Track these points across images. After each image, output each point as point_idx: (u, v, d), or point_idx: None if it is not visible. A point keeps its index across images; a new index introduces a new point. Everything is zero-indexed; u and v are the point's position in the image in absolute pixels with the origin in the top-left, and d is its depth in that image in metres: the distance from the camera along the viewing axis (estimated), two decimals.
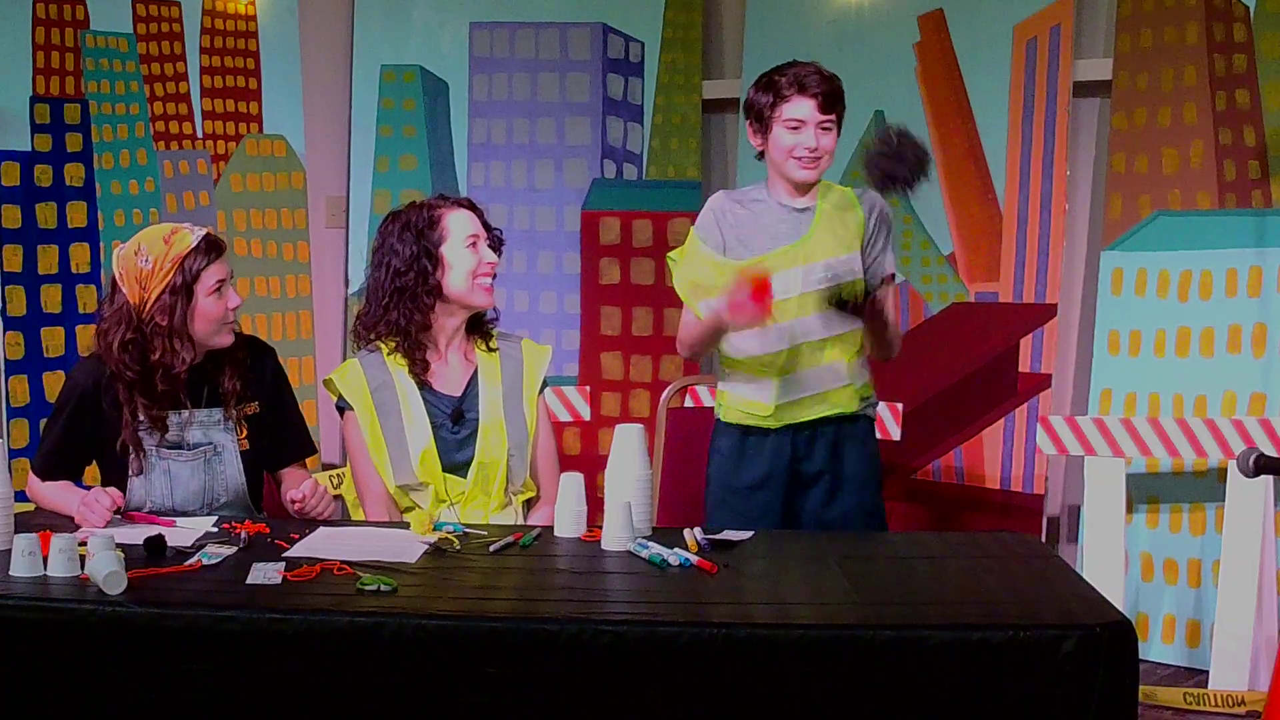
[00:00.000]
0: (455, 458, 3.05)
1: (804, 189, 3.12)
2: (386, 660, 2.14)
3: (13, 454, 4.62)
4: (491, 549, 2.62)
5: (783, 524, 3.15)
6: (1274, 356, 4.01)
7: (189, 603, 2.23)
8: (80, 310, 4.84)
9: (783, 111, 3.06)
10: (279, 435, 3.10)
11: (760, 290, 2.91)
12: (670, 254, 3.28)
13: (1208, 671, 3.90)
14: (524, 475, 3.10)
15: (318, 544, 2.64)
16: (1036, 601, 2.32)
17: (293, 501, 2.93)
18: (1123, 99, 4.35)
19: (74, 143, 4.88)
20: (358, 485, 3.10)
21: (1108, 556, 3.97)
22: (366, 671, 2.14)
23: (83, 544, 2.39)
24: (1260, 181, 4.09)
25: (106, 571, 2.23)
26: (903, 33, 4.66)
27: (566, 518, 2.77)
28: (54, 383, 4.75)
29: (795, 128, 3.06)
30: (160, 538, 2.54)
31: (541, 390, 3.16)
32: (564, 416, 4.58)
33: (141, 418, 2.92)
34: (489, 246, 3.08)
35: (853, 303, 3.02)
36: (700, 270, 3.13)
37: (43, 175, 4.80)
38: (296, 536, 2.68)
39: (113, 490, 2.80)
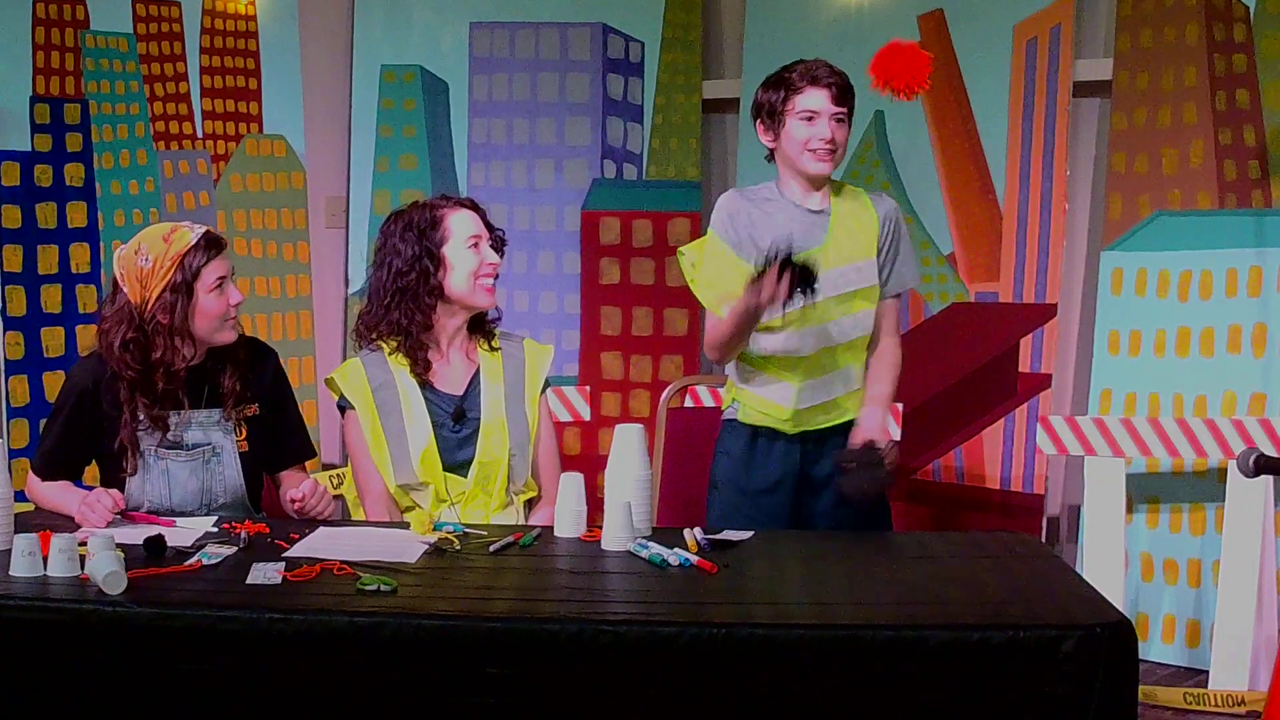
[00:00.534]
0: (456, 457, 3.05)
1: (818, 183, 3.09)
2: (386, 660, 2.14)
3: (13, 454, 4.62)
4: (491, 549, 2.62)
5: (792, 528, 3.13)
6: (1274, 356, 4.01)
7: (189, 603, 2.23)
8: (80, 310, 4.84)
9: (796, 104, 3.04)
10: (279, 437, 3.10)
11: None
12: (681, 249, 3.22)
13: (1208, 671, 3.90)
14: (525, 475, 3.11)
15: (318, 544, 2.64)
16: (1036, 601, 2.32)
17: (292, 501, 2.93)
18: (1123, 99, 4.35)
19: (74, 143, 4.88)
20: (358, 484, 3.10)
21: (1108, 556, 3.97)
22: (366, 671, 2.14)
23: (83, 544, 2.39)
24: (1260, 181, 4.09)
25: (106, 571, 2.23)
26: (903, 33, 4.65)
27: (566, 518, 2.77)
28: (54, 383, 4.75)
29: (809, 119, 3.03)
30: (160, 538, 2.54)
31: (543, 390, 3.16)
32: (564, 416, 4.58)
33: (142, 417, 2.92)
34: (491, 247, 3.08)
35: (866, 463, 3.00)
36: (724, 273, 3.07)
37: (43, 175, 4.80)
38: (296, 536, 2.68)
39: (114, 491, 2.81)
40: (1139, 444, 4.02)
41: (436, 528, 2.69)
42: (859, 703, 2.12)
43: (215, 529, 2.77)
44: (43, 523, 2.71)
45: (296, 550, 2.57)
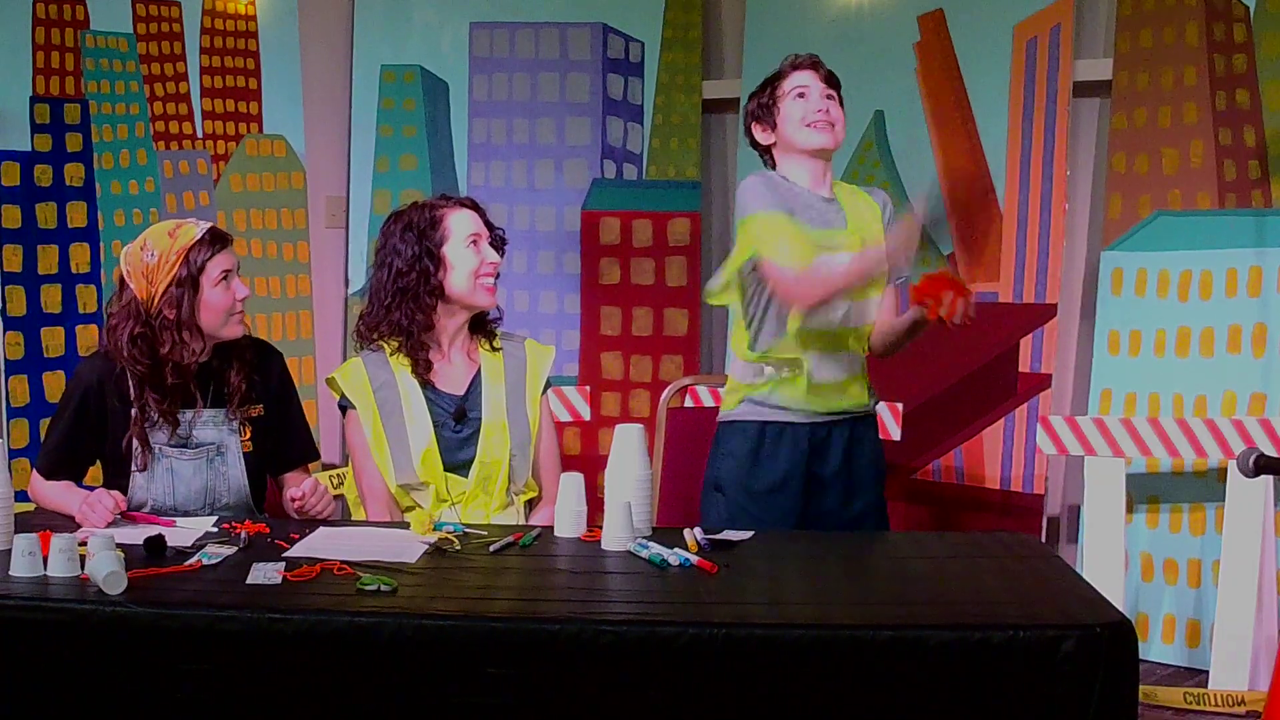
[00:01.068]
0: (457, 457, 3.05)
1: (824, 156, 3.10)
2: (386, 660, 2.14)
3: (13, 454, 4.62)
4: (491, 549, 2.62)
5: (800, 527, 3.13)
6: (1274, 356, 4.01)
7: (189, 603, 2.23)
8: (80, 310, 4.84)
9: (785, 86, 3.08)
10: (282, 439, 3.10)
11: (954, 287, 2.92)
12: (741, 223, 3.08)
13: (1208, 671, 3.90)
14: (526, 475, 3.11)
15: (318, 544, 2.64)
16: (1036, 601, 2.32)
17: (293, 500, 2.93)
18: (1123, 99, 4.35)
19: (74, 143, 4.88)
20: (359, 484, 3.10)
21: (1108, 556, 3.97)
22: (366, 671, 2.14)
23: (83, 544, 2.39)
24: (1260, 181, 4.09)
25: (106, 571, 2.23)
26: (903, 33, 4.66)
27: (566, 518, 2.77)
28: (54, 383, 4.75)
29: (801, 95, 3.07)
30: (160, 538, 2.54)
31: (545, 390, 3.16)
32: (564, 416, 4.59)
33: (152, 414, 2.93)
34: (491, 246, 3.08)
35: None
36: (787, 237, 2.98)
37: (43, 175, 4.80)
38: (296, 536, 2.68)
39: (115, 492, 2.81)
40: (1139, 444, 4.02)
41: (436, 528, 2.69)
42: (859, 703, 2.12)
43: (215, 529, 2.78)
44: (43, 523, 2.71)
45: (296, 550, 2.57)
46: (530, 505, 3.16)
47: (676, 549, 2.57)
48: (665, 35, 4.99)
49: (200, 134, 5.09)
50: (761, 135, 3.14)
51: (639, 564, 2.54)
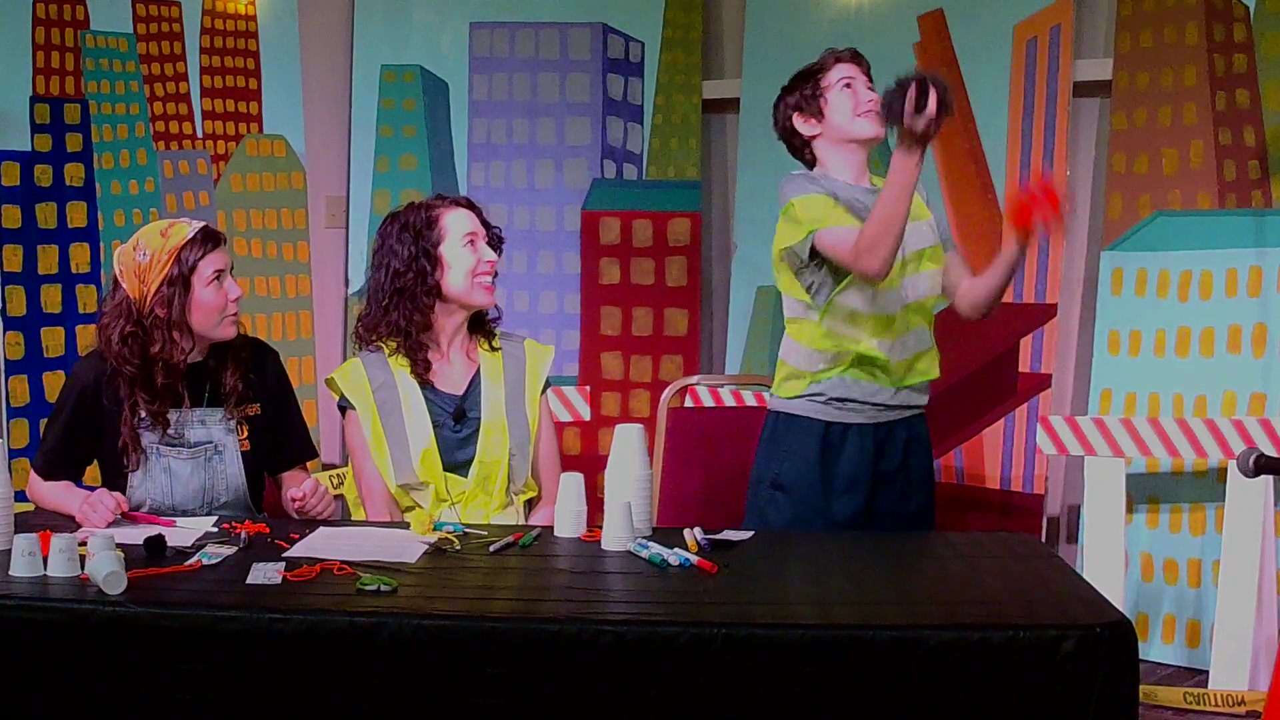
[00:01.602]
0: (456, 457, 3.05)
1: (873, 145, 3.14)
2: (386, 660, 2.14)
3: (13, 454, 4.62)
4: (491, 549, 2.62)
5: (862, 526, 3.10)
6: (1274, 356, 4.01)
7: (189, 603, 2.23)
8: (80, 310, 4.84)
9: (831, 76, 3.09)
10: (280, 438, 3.10)
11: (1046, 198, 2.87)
12: (794, 224, 3.05)
13: (1208, 671, 3.90)
14: (525, 475, 3.11)
15: (318, 544, 2.64)
16: (1036, 601, 2.32)
17: (293, 500, 2.93)
18: (1123, 99, 4.35)
19: (74, 143, 4.88)
20: (359, 484, 3.10)
21: (1108, 556, 3.97)
22: (366, 671, 2.14)
23: (83, 544, 2.39)
24: (1260, 181, 4.09)
25: (106, 571, 2.23)
26: (903, 33, 4.66)
27: (566, 518, 2.77)
28: (54, 383, 4.75)
29: (849, 84, 3.09)
30: (160, 538, 2.54)
31: (544, 390, 3.16)
32: (564, 416, 4.59)
33: (142, 413, 2.92)
34: (488, 244, 3.08)
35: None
36: (836, 217, 3.00)
37: (43, 175, 4.80)
38: (296, 536, 2.68)
39: (116, 494, 2.81)
40: (1139, 444, 4.02)
41: (436, 528, 2.69)
42: (859, 703, 2.12)
43: (215, 529, 2.77)
44: (43, 523, 2.71)
45: (296, 550, 2.57)
46: (530, 505, 3.16)
47: (676, 549, 2.57)
48: (665, 35, 4.99)
49: (200, 134, 5.09)
50: (806, 127, 3.13)
51: (639, 564, 2.54)
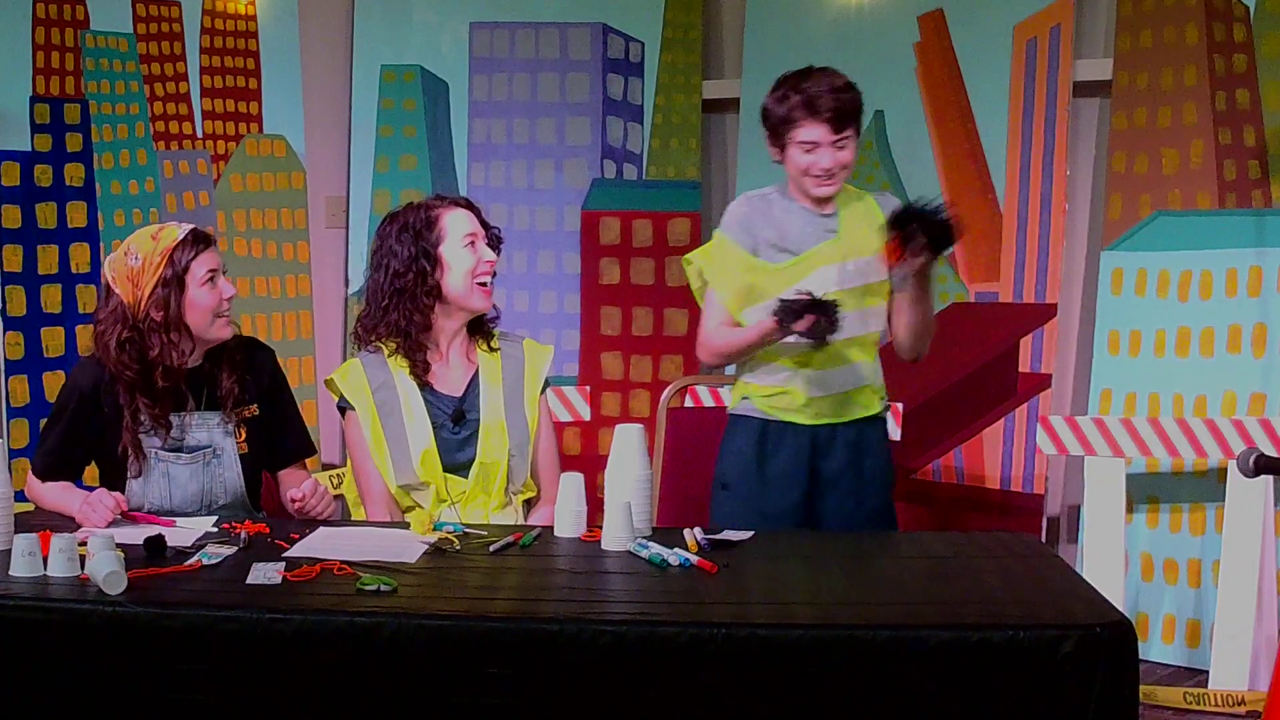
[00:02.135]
0: (456, 458, 3.05)
1: (823, 203, 3.12)
2: (386, 660, 2.14)
3: (13, 454, 4.62)
4: (491, 549, 2.62)
5: (804, 525, 3.13)
6: (1274, 356, 4.01)
7: (189, 603, 2.23)
8: (80, 310, 4.84)
9: (796, 134, 3.04)
10: (278, 436, 3.10)
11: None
12: (686, 257, 3.22)
13: (1208, 671, 3.90)
14: (525, 475, 3.11)
15: (318, 544, 2.64)
16: (1036, 601, 2.32)
17: (293, 501, 2.93)
18: (1123, 99, 4.35)
19: (74, 143, 4.88)
20: (359, 485, 3.10)
21: (1108, 556, 3.97)
22: (366, 671, 2.14)
23: (83, 544, 2.39)
24: (1260, 181, 4.09)
25: (106, 571, 2.23)
26: (903, 33, 4.66)
27: (566, 518, 2.77)
28: (54, 383, 4.75)
29: (810, 149, 3.04)
30: (160, 538, 2.54)
31: (543, 391, 3.16)
32: (564, 416, 4.59)
33: (144, 419, 2.92)
34: (487, 245, 3.08)
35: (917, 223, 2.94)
36: (736, 274, 3.10)
37: (43, 175, 4.80)
38: (296, 536, 2.68)
39: (117, 494, 2.81)
40: (1139, 444, 4.02)
41: (436, 528, 2.69)
42: (859, 703, 2.12)
43: (215, 529, 2.77)
44: (43, 523, 2.71)
45: (296, 550, 2.57)
46: (528, 505, 3.16)
47: (676, 549, 2.57)
48: (665, 35, 4.99)
49: (200, 134, 5.09)
50: (770, 149, 3.14)
51: (639, 564, 2.54)
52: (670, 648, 2.11)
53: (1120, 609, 2.26)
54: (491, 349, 3.12)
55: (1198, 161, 4.20)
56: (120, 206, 4.94)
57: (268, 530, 2.73)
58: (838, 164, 3.04)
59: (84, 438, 2.98)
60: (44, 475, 3.01)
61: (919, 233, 2.91)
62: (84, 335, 4.81)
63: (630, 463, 2.78)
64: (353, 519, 3.14)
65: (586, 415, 4.62)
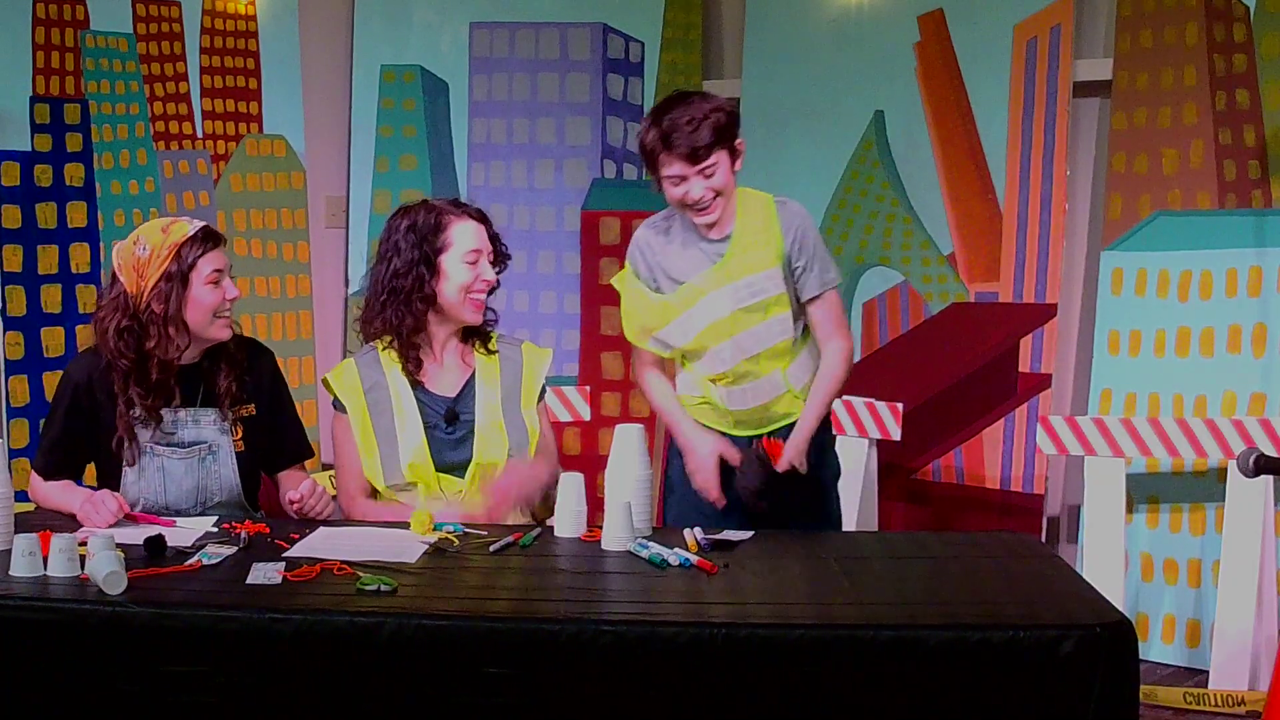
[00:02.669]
0: (450, 458, 3.05)
1: (713, 227, 3.07)
2: (386, 660, 2.14)
3: (13, 454, 4.62)
4: (491, 549, 2.62)
5: (748, 524, 3.12)
6: (1274, 356, 4.01)
7: (189, 603, 2.23)
8: (80, 310, 4.84)
9: (660, 170, 3.00)
10: (276, 438, 3.10)
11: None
12: (612, 280, 3.25)
13: (1208, 671, 3.90)
14: None
15: (318, 544, 2.64)
16: (1036, 601, 2.32)
17: (291, 502, 2.93)
18: (1123, 99, 4.35)
19: (74, 143, 4.88)
20: (339, 483, 3.10)
21: (1108, 556, 3.97)
22: (366, 671, 2.14)
23: (83, 544, 2.39)
24: (1260, 181, 4.10)
25: (106, 571, 2.23)
26: (903, 33, 4.66)
27: (566, 518, 2.77)
28: (54, 383, 4.72)
29: (677, 181, 2.99)
30: (160, 538, 2.54)
31: (542, 394, 3.16)
32: (564, 416, 4.58)
33: (137, 409, 2.92)
34: (491, 262, 3.06)
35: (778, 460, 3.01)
36: (639, 307, 3.14)
37: (43, 175, 4.79)
38: (296, 536, 2.68)
39: (119, 496, 2.81)
40: (1139, 444, 4.02)
41: (436, 528, 2.69)
42: (859, 703, 2.12)
43: (215, 529, 2.77)
44: (43, 523, 2.71)
45: (296, 550, 2.57)
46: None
47: (676, 549, 2.57)
48: (665, 35, 4.99)
49: (200, 134, 5.09)
50: (652, 186, 3.10)
51: (639, 564, 2.54)
52: (670, 648, 2.12)
53: (1120, 609, 2.26)
54: (489, 351, 3.12)
55: (1198, 161, 4.20)
56: (120, 206, 4.94)
57: (268, 530, 2.73)
58: (709, 192, 2.97)
59: (81, 430, 2.98)
60: (45, 473, 3.01)
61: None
62: (84, 335, 4.81)
63: (630, 463, 2.78)
64: (352, 519, 3.14)
65: (586, 415, 4.61)
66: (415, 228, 3.02)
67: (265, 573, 2.38)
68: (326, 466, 4.71)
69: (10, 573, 2.35)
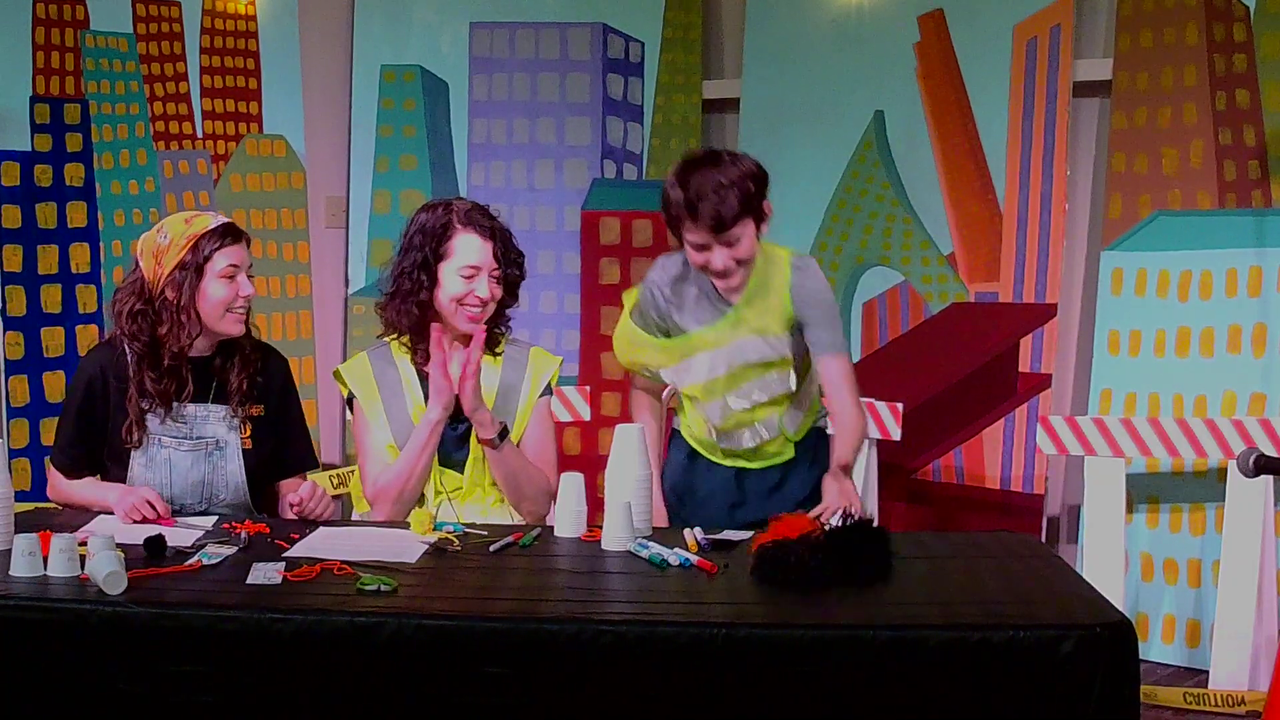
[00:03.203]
0: (452, 455, 3.06)
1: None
2: (386, 660, 2.14)
3: (13, 454, 4.62)
4: (491, 549, 2.62)
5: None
6: (1274, 356, 4.01)
7: (189, 603, 2.23)
8: (80, 310, 4.84)
9: (684, 234, 2.95)
10: (281, 443, 3.11)
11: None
12: (624, 294, 3.25)
13: (1208, 671, 3.90)
14: None
15: (318, 544, 2.64)
16: (1036, 601, 2.32)
17: (291, 506, 2.94)
18: (1123, 99, 4.35)
19: (74, 143, 4.88)
20: (363, 474, 3.10)
21: (1108, 556, 3.97)
22: (366, 671, 2.14)
23: (83, 544, 2.39)
24: (1260, 181, 4.10)
25: (106, 571, 2.23)
26: (903, 33, 4.66)
27: (566, 518, 2.77)
28: (54, 383, 4.75)
29: (699, 249, 2.95)
30: (160, 538, 2.54)
31: (544, 394, 3.15)
32: (564, 416, 4.59)
33: (147, 395, 2.95)
34: (497, 280, 3.04)
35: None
36: (638, 346, 3.15)
37: (43, 175, 4.79)
38: (296, 536, 2.69)
39: (157, 494, 2.86)
40: (1139, 444, 4.02)
41: (436, 527, 2.70)
42: (859, 703, 2.12)
43: (215, 529, 2.78)
44: (43, 523, 2.71)
45: (296, 550, 2.57)
46: None
47: (676, 549, 2.57)
48: (665, 35, 4.99)
49: (200, 134, 5.09)
50: (672, 242, 3.08)
51: (639, 564, 2.54)
52: (670, 648, 2.11)
53: (1120, 609, 2.26)
54: (495, 354, 3.12)
55: (1198, 161, 4.20)
56: (120, 206, 4.94)
57: (268, 530, 2.73)
58: (732, 261, 2.93)
59: (96, 422, 3.00)
60: (67, 469, 3.03)
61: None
62: (84, 335, 4.82)
63: (630, 463, 2.78)
64: (353, 519, 3.14)
65: (586, 415, 4.61)
66: (425, 229, 3.03)
67: (265, 573, 2.38)
68: (327, 466, 4.72)
69: (10, 573, 2.35)
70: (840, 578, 2.35)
